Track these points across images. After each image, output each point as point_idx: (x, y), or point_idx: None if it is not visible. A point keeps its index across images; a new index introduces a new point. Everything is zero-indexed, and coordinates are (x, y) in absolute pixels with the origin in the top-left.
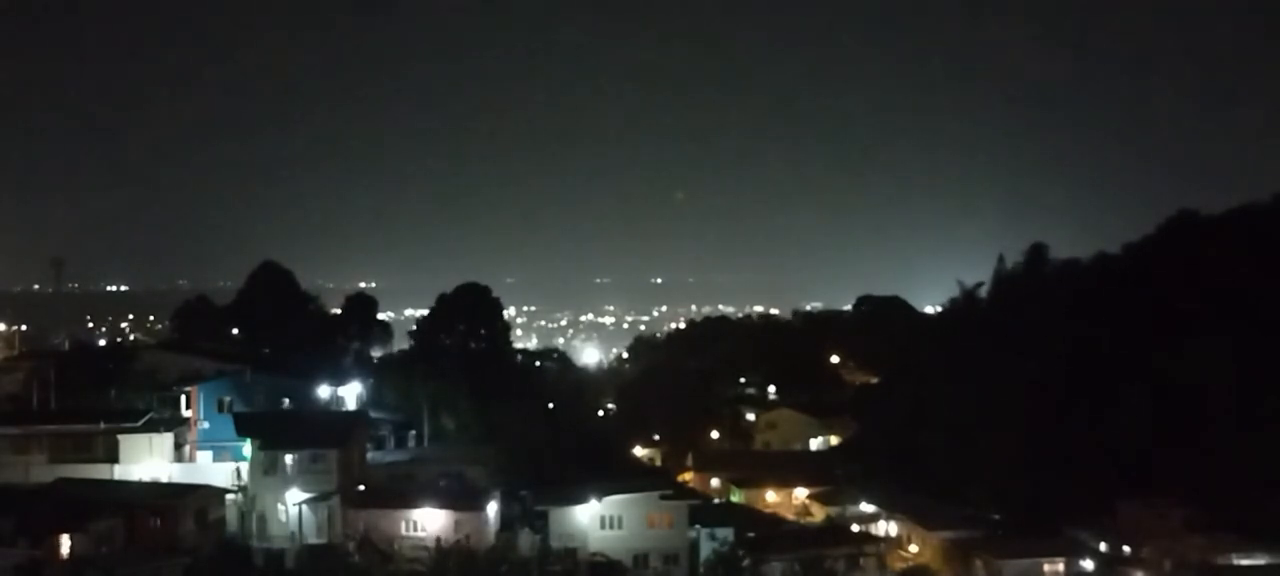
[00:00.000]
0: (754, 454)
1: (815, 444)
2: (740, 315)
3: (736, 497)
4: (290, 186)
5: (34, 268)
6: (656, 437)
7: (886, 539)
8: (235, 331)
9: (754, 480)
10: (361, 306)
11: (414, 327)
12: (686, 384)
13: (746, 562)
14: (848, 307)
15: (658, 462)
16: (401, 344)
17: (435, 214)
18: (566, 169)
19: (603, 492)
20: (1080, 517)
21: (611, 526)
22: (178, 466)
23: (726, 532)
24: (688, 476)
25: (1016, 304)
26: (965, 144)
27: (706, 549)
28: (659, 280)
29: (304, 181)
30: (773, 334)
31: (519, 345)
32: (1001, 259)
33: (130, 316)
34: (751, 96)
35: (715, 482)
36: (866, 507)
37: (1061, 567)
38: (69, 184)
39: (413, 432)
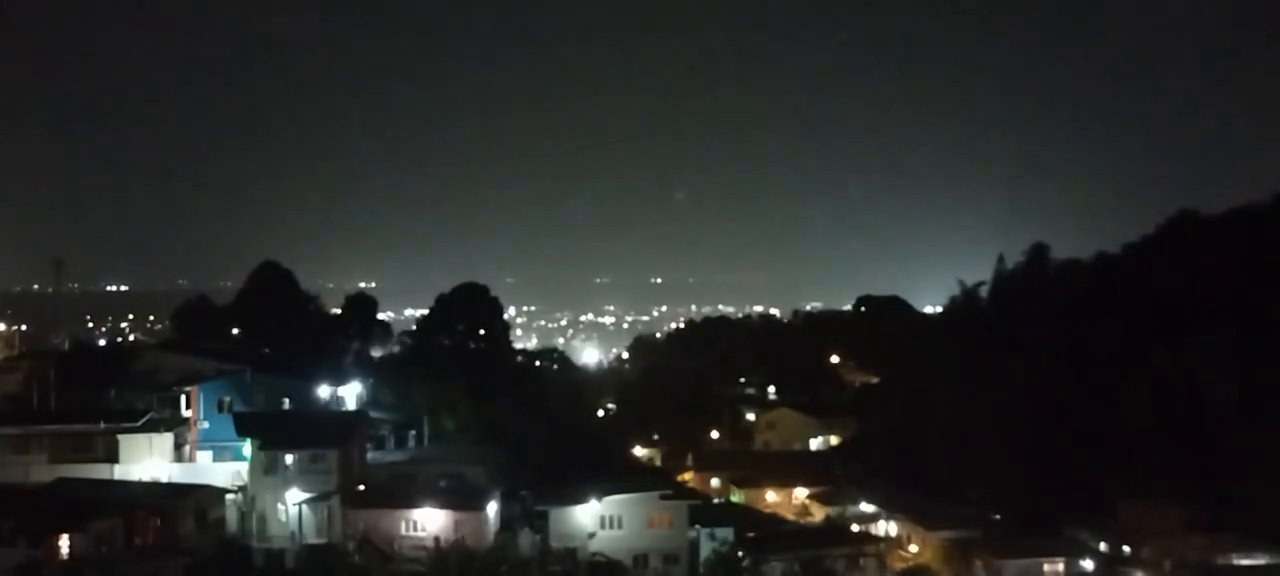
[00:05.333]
0: (754, 454)
1: (815, 444)
2: (740, 315)
3: (736, 497)
4: (290, 186)
5: (34, 268)
6: (656, 437)
7: (886, 539)
8: (235, 331)
9: (754, 480)
10: (361, 306)
11: (414, 327)
12: (686, 384)
13: (746, 562)
14: (848, 307)
15: (658, 462)
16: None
17: (435, 214)
18: (567, 169)
19: (603, 492)
20: (1080, 517)
21: (611, 526)
22: (178, 466)
23: (726, 532)
24: (688, 476)
25: (1017, 304)
26: (965, 144)
27: (706, 549)
28: (659, 280)
29: (304, 181)
30: (773, 334)
31: (519, 345)
32: (1001, 259)
33: (130, 316)
34: (751, 96)
35: (715, 482)
36: (866, 507)
37: (1061, 567)
38: (69, 184)
39: (413, 432)
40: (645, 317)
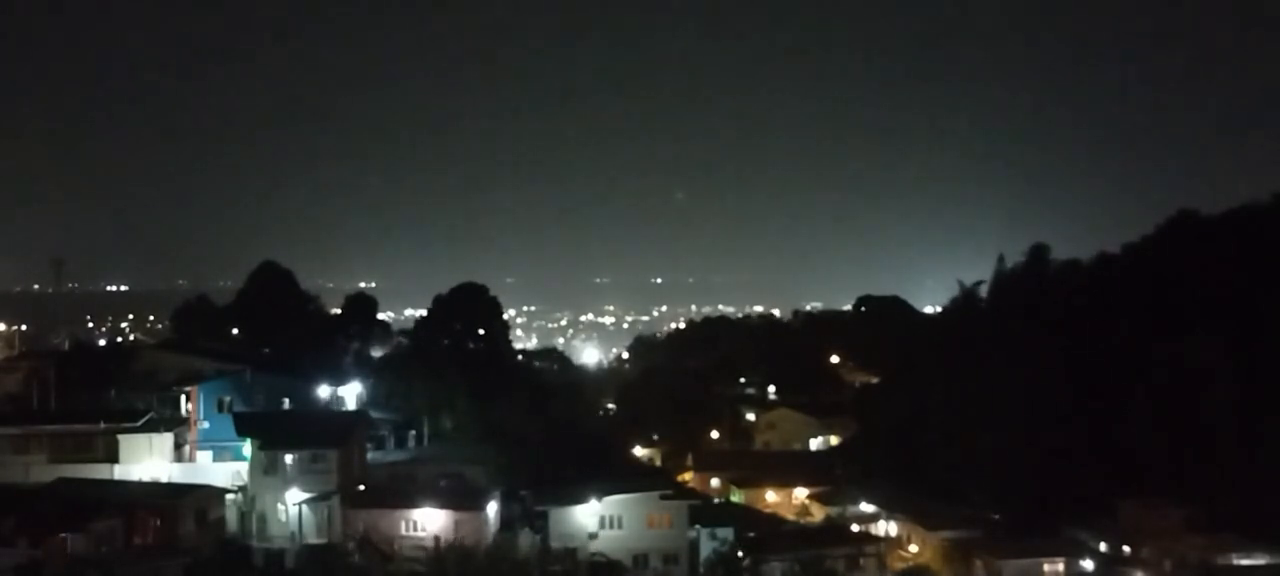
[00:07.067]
0: (754, 454)
1: (815, 444)
2: (740, 315)
3: (736, 497)
4: (290, 186)
5: (34, 268)
6: (656, 437)
7: (886, 539)
8: (235, 331)
9: (754, 480)
10: (361, 306)
11: (414, 327)
12: (686, 384)
13: (746, 562)
14: (848, 307)
15: (658, 462)
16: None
17: (435, 214)
18: (566, 169)
19: (603, 492)
20: (1080, 517)
21: (611, 526)
22: (178, 466)
23: (726, 532)
24: (688, 476)
25: (1017, 304)
26: (965, 144)
27: (706, 549)
28: (659, 280)
29: (304, 181)
30: (773, 334)
31: (519, 345)
32: (1001, 259)
33: (130, 316)
34: (751, 96)
35: (715, 482)
36: (866, 507)
37: (1061, 567)
38: (69, 184)
39: (413, 432)
40: (645, 317)
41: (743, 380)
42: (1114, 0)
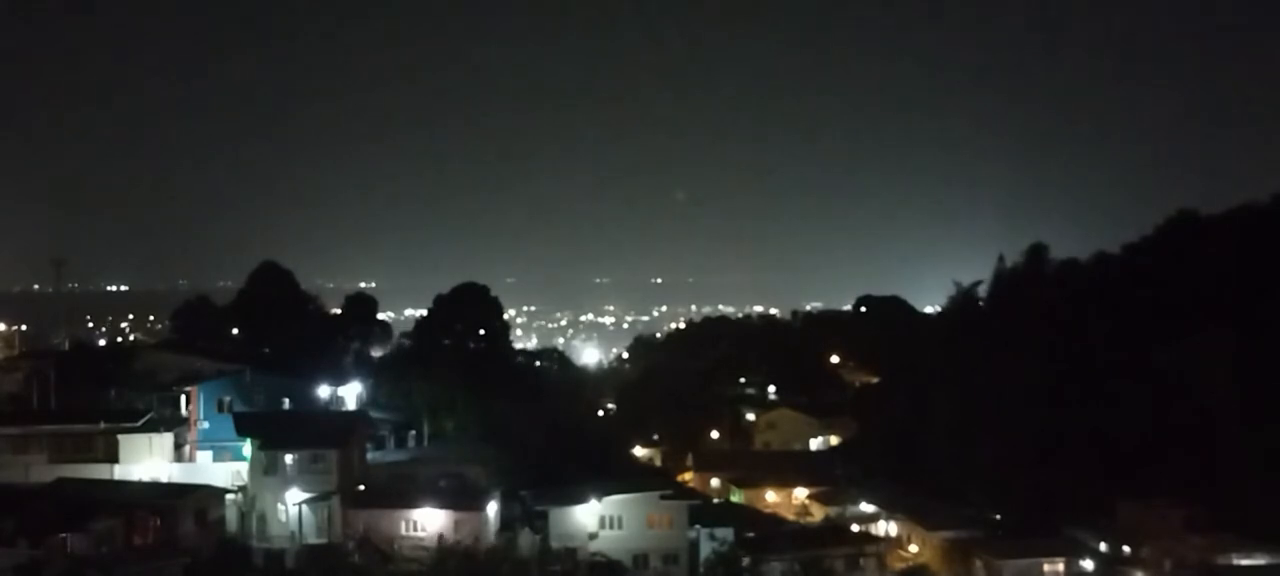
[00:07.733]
0: (754, 454)
1: (815, 444)
2: (740, 315)
3: (736, 497)
4: (290, 186)
5: (34, 268)
6: (656, 437)
7: (886, 539)
8: (235, 331)
9: (754, 480)
10: (361, 306)
11: (414, 327)
12: (686, 384)
13: (746, 562)
14: (848, 307)
15: (658, 462)
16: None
17: (435, 214)
18: (566, 169)
19: (603, 492)
20: (1080, 517)
21: (611, 526)
22: (178, 466)
23: (726, 532)
24: (688, 476)
25: (1016, 304)
26: (965, 144)
27: (706, 549)
28: (659, 280)
29: (304, 181)
30: (773, 334)
31: (519, 345)
32: (1001, 259)
33: (130, 316)
34: (751, 96)
35: (715, 482)
36: (866, 507)
37: (1061, 567)
38: (69, 184)
39: (413, 432)
40: (645, 317)
41: (743, 380)
42: (1114, 0)
